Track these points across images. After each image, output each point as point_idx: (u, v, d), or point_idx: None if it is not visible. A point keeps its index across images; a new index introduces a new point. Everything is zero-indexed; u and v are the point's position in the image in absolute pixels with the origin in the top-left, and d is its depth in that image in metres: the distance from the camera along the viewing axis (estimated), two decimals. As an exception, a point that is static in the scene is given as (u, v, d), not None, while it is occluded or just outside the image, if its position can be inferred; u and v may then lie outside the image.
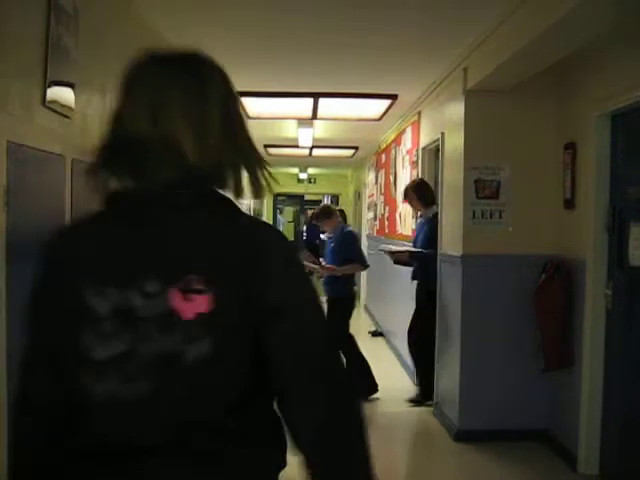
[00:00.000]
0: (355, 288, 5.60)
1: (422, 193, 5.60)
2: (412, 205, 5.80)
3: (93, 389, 1.08)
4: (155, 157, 1.10)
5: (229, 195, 1.18)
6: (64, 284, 1.13)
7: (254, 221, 1.22)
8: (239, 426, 1.10)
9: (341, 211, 17.78)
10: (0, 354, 2.10)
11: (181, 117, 1.11)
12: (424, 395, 5.58)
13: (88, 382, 1.09)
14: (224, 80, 1.19)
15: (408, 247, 5.92)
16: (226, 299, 1.07)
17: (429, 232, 5.42)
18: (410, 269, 5.62)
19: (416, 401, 5.61)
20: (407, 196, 5.73)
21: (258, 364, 1.10)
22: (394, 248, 6.17)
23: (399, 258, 5.65)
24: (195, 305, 1.05)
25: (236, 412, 1.10)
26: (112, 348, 1.07)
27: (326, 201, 21.75)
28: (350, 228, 6.56)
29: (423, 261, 5.41)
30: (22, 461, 1.18)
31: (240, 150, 1.18)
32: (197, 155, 1.11)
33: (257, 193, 1.17)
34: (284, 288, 1.12)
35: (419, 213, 5.79)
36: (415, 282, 5.60)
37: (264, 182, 1.19)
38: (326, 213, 6.04)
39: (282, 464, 1.19)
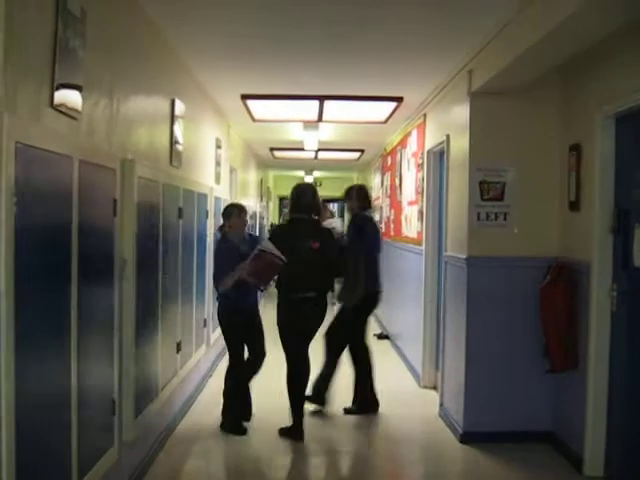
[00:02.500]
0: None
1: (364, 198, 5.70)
2: (350, 206, 5.73)
3: (296, 264, 4.66)
4: (305, 210, 4.93)
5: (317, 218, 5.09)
6: (283, 240, 4.76)
7: (323, 226, 5.27)
8: (326, 290, 4.96)
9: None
10: (8, 349, 2.12)
11: (309, 199, 4.95)
12: (360, 405, 5.46)
13: (293, 261, 4.64)
14: (316, 190, 5.15)
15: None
16: (322, 244, 4.84)
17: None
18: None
19: (351, 411, 5.44)
20: (349, 197, 5.72)
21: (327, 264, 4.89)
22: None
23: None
24: (316, 244, 4.80)
25: (326, 282, 4.96)
26: (297, 254, 4.71)
27: (332, 207, 21.73)
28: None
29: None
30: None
31: (320, 207, 5.07)
32: (313, 207, 4.96)
33: (319, 218, 5.12)
34: (330, 243, 4.95)
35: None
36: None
37: (319, 216, 5.13)
38: None
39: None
